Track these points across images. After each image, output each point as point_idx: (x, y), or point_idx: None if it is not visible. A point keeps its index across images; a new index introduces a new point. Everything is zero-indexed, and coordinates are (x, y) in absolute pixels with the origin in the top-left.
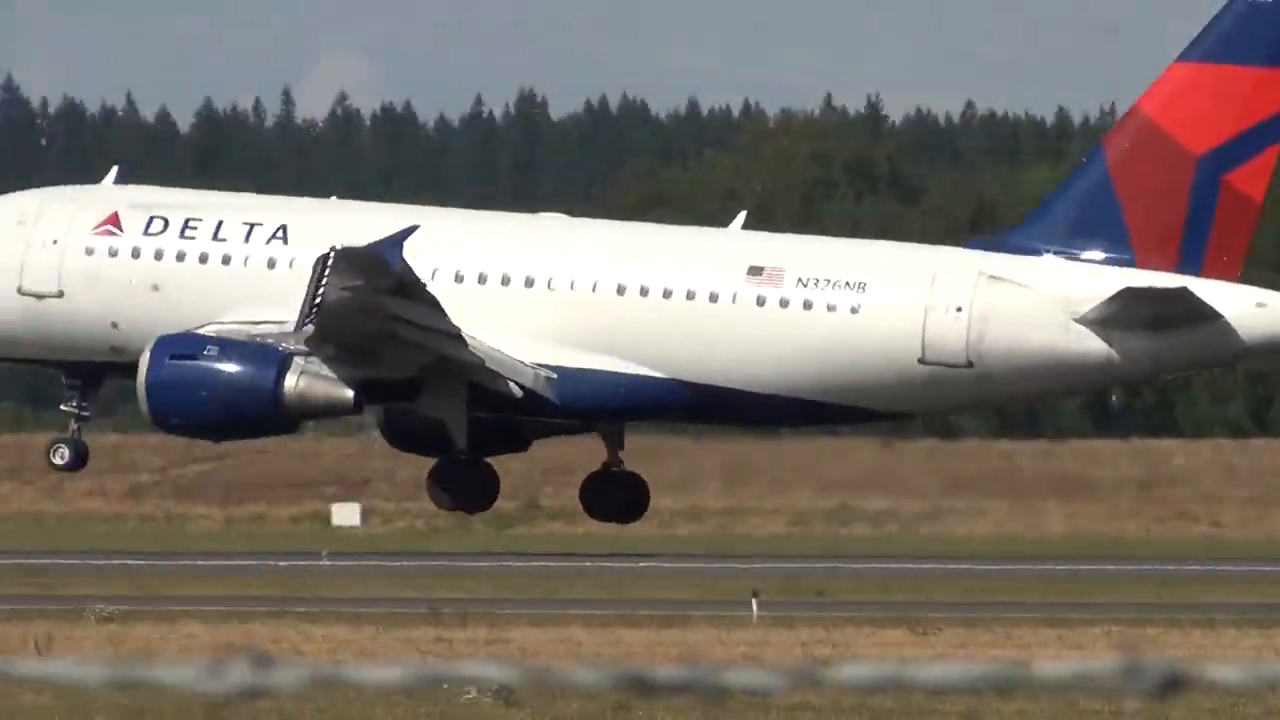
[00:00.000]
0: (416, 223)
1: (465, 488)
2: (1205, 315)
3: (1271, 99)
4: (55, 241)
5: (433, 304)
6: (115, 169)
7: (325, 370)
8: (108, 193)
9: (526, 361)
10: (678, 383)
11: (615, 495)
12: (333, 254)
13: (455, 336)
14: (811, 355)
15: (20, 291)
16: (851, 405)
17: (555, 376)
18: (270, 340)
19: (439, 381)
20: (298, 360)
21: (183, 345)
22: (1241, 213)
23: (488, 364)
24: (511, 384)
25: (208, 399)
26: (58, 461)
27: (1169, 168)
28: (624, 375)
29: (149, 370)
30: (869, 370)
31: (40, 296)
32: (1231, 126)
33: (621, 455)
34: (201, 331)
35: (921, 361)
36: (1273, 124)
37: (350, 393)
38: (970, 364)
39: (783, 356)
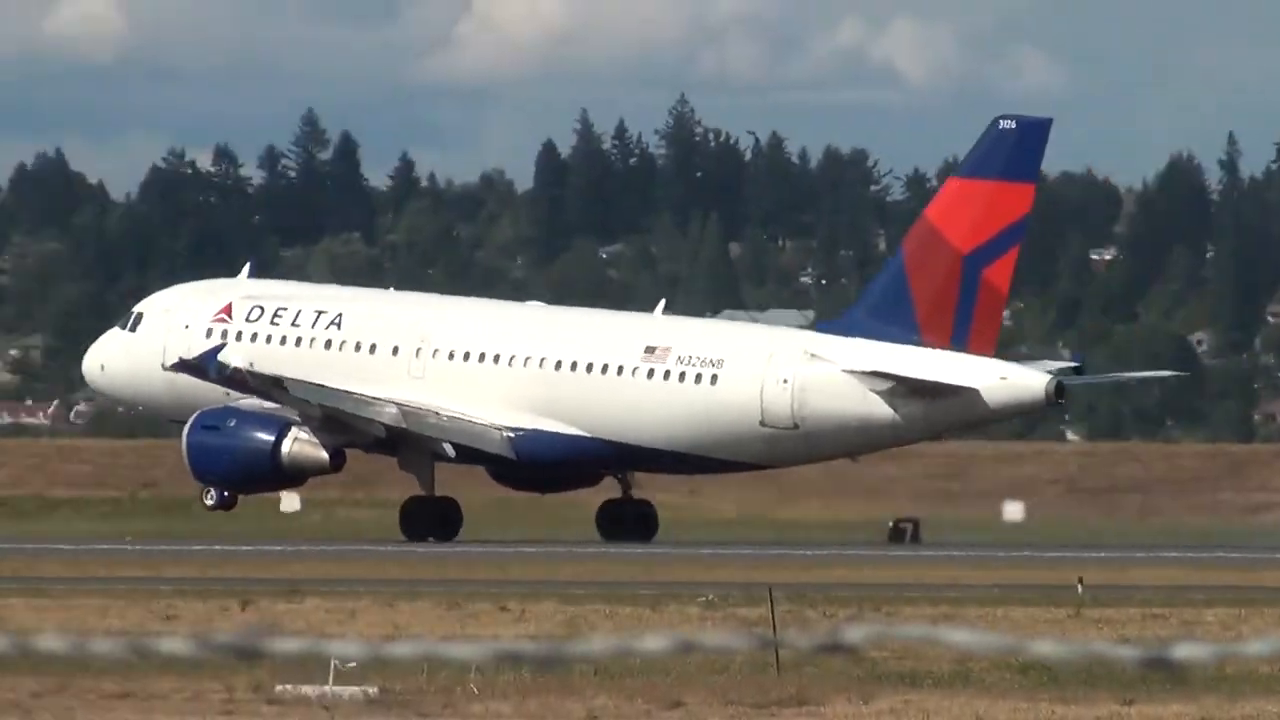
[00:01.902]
0: (222, 342)
1: (429, 523)
2: (923, 388)
3: (1014, 207)
4: (187, 327)
5: (288, 399)
6: (248, 264)
7: (312, 437)
8: (234, 285)
9: (498, 424)
10: (601, 441)
11: (627, 520)
12: (178, 363)
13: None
14: (686, 418)
15: (164, 367)
16: (717, 458)
17: (514, 435)
18: (277, 413)
19: (403, 442)
20: (294, 429)
21: (212, 417)
22: (995, 301)
23: (414, 429)
24: (446, 445)
25: (228, 460)
26: (208, 502)
27: (945, 264)
28: (563, 435)
29: (187, 437)
30: (726, 430)
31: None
32: (988, 230)
33: (631, 490)
34: (232, 405)
35: (761, 424)
36: (1016, 228)
37: (326, 454)
38: (796, 426)
39: (666, 419)
